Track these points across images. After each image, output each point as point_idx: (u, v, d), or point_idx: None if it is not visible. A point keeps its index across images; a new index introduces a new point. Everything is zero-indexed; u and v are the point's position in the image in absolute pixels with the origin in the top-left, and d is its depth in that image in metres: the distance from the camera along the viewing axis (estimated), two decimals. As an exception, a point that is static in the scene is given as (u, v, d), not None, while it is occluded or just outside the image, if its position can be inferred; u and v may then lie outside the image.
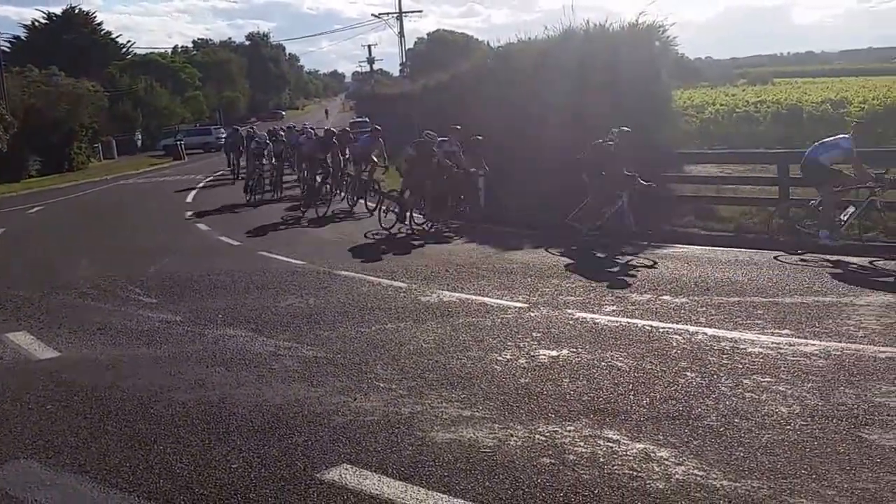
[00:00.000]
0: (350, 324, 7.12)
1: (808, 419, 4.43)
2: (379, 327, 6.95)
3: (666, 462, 3.99)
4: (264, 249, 11.82)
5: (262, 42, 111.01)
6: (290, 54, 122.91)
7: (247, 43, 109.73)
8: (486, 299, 7.86)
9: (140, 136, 59.02)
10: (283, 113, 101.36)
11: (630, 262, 9.54)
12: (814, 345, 5.78)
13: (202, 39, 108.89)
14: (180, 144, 48.69)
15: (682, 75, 45.74)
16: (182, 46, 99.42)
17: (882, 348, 5.62)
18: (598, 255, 10.05)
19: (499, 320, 7.01)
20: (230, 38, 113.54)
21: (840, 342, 5.82)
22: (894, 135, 22.60)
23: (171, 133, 55.93)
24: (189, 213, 17.80)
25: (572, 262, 9.77)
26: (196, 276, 9.81)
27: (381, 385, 5.40)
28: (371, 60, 76.33)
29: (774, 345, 5.84)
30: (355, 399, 5.14)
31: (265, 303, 8.17)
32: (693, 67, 64.70)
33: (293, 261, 10.62)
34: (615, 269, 9.18)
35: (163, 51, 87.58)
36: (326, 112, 75.66)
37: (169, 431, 4.77)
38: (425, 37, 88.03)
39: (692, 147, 18.25)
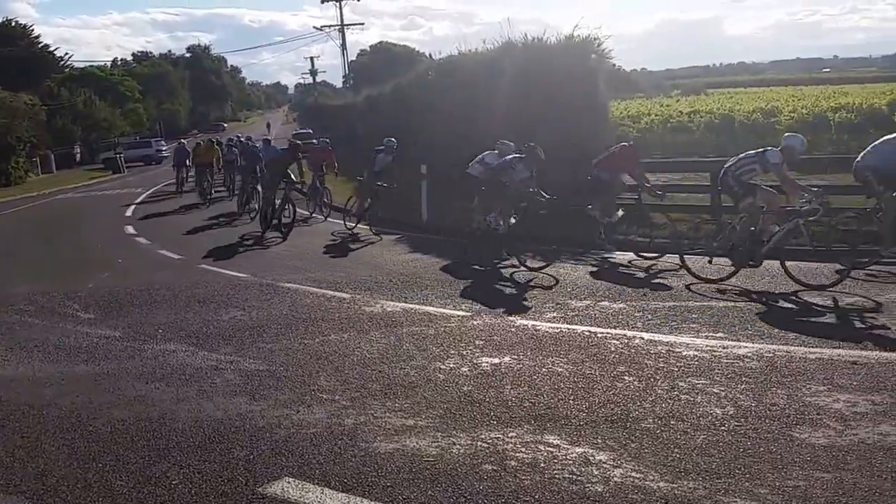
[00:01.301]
0: (293, 336, 7.08)
1: (742, 420, 4.58)
2: (322, 339, 6.92)
3: (604, 465, 4.08)
4: (206, 263, 11.65)
5: (203, 54, 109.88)
6: (231, 66, 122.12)
7: (188, 55, 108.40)
8: (430, 308, 7.90)
9: (79, 150, 57.34)
10: (225, 125, 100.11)
11: (569, 270, 9.69)
12: (747, 347, 5.98)
13: (142, 52, 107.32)
14: (120, 158, 47.46)
15: (618, 86, 46.80)
16: (121, 59, 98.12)
17: (812, 349, 5.84)
18: (538, 263, 10.17)
19: (442, 329, 7.05)
20: (170, 51, 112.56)
21: (772, 344, 6.04)
22: (828, 142, 23.63)
23: (110, 146, 54.51)
24: (129, 227, 17.36)
25: (513, 270, 9.88)
26: (136, 291, 9.60)
27: (325, 397, 5.38)
28: (314, 72, 75.98)
29: (709, 348, 6.02)
30: (298, 412, 5.11)
31: (206, 317, 8.06)
32: (629, 79, 66.27)
33: (236, 273, 10.49)
34: (555, 276, 9.31)
35: (102, 64, 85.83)
36: (268, 125, 74.65)
37: (108, 449, 4.68)
38: (368, 49, 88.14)
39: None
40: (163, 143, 57.38)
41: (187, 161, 25.65)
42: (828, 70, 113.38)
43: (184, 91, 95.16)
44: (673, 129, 28.58)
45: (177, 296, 9.22)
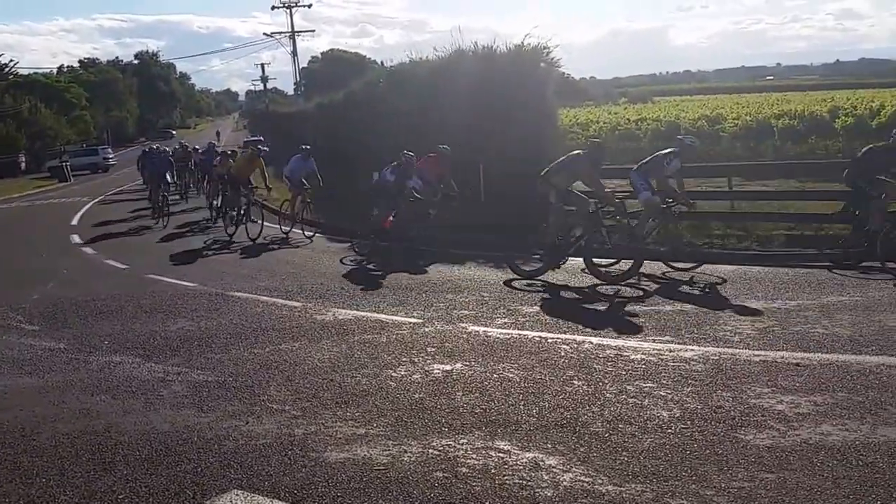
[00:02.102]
0: (243, 346, 6.98)
1: (688, 422, 4.67)
2: (273, 348, 6.84)
3: (554, 470, 4.11)
4: (154, 272, 11.41)
5: (151, 61, 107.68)
6: (180, 73, 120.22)
7: (136, 62, 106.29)
8: (382, 316, 7.88)
9: (24, 158, 55.57)
10: (174, 133, 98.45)
11: (521, 276, 9.76)
12: (693, 350, 6.10)
13: (89, 59, 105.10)
14: (66, 166, 46.09)
15: (568, 94, 47.45)
16: (68, 66, 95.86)
17: (756, 352, 5.97)
18: (491, 269, 10.24)
19: (394, 336, 7.04)
20: (118, 58, 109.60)
21: (717, 347, 6.17)
22: (771, 148, 24.29)
23: (56, 154, 52.98)
24: (75, 237, 16.94)
25: (466, 277, 9.91)
26: (81, 302, 9.37)
27: (275, 407, 5.32)
28: (265, 79, 74.98)
29: (656, 351, 6.13)
30: (247, 422, 5.04)
31: (154, 327, 7.90)
32: (578, 87, 67.28)
33: (184, 283, 10.31)
34: (507, 283, 9.37)
35: (48, 70, 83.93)
36: (218, 133, 73.10)
37: (52, 463, 4.56)
38: (319, 56, 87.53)
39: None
40: (110, 150, 56.11)
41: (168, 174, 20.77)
42: (771, 77, 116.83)
43: (132, 98, 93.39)
44: (621, 137, 29.04)
45: (123, 306, 9.02)
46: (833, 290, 7.99)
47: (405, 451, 4.44)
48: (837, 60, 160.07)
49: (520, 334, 6.93)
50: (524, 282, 9.35)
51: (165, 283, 10.46)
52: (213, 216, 17.52)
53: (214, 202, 17.77)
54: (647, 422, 4.71)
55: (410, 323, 7.52)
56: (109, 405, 5.59)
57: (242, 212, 14.90)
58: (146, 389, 5.90)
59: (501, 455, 4.34)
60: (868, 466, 3.94)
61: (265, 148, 18.07)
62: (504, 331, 7.08)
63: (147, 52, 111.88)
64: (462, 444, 4.51)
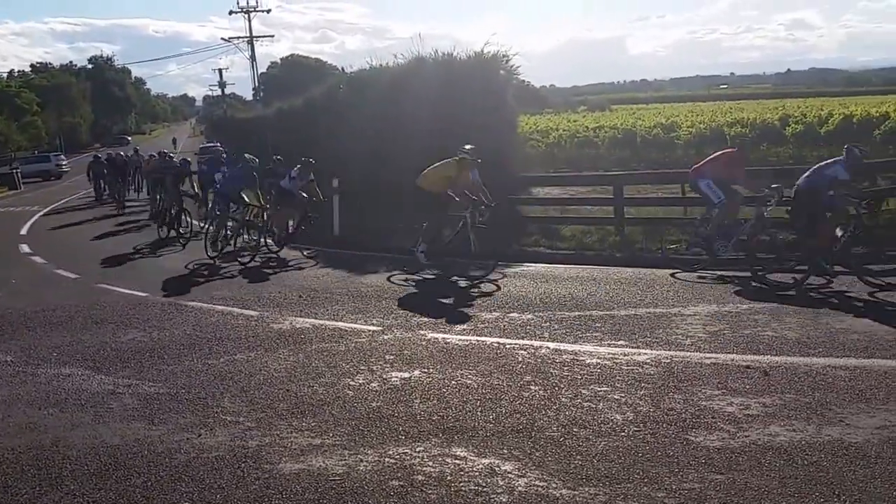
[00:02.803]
0: (197, 356, 6.86)
1: (641, 425, 4.73)
2: (228, 358, 6.74)
3: (509, 475, 4.13)
4: (106, 282, 11.18)
5: (106, 66, 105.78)
6: (136, 78, 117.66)
7: (90, 66, 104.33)
8: (340, 324, 7.83)
9: (-29, 166, 53.97)
10: (129, 138, 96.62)
11: (480, 282, 9.81)
12: (646, 354, 6.19)
13: (41, 63, 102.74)
14: (16, 173, 44.81)
15: (528, 102, 47.95)
16: (19, 70, 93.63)
17: (707, 354, 6.09)
18: (451, 276, 10.26)
19: (352, 345, 7.00)
20: (71, 62, 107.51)
21: (670, 350, 6.27)
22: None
23: (6, 161, 51.45)
24: (24, 246, 16.48)
25: (426, 283, 9.92)
26: (30, 313, 9.13)
27: (228, 419, 5.24)
28: (222, 84, 73.87)
29: (611, 355, 6.20)
30: (199, 435, 4.96)
31: (104, 338, 7.72)
32: (539, 95, 68.08)
33: (137, 293, 10.12)
34: (466, 290, 9.40)
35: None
36: (175, 141, 71.55)
37: (-4, 479, 4.42)
38: (279, 61, 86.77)
39: (539, 170, 19.19)
40: (63, 157, 54.77)
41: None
42: (725, 86, 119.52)
43: (86, 103, 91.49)
44: (580, 144, 29.43)
45: (73, 317, 8.81)
46: (782, 293, 8.16)
47: (361, 461, 4.42)
48: (789, 70, 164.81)
49: (478, 341, 6.95)
50: (481, 288, 9.39)
51: (117, 293, 10.25)
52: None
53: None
54: (601, 425, 4.77)
55: (369, 331, 7.49)
56: (57, 419, 5.45)
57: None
58: (95, 402, 5.77)
59: (458, 462, 4.34)
60: (813, 465, 4.04)
61: (223, 154, 17.77)
62: (463, 337, 7.09)
63: (101, 56, 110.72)
64: (419, 452, 4.51)
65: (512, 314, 7.91)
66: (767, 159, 22.76)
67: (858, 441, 4.32)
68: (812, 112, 29.91)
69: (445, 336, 7.17)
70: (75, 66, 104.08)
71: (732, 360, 5.91)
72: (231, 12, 58.20)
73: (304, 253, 12.95)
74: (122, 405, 5.67)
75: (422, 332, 7.36)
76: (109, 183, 26.75)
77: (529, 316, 7.77)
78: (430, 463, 4.35)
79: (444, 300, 8.79)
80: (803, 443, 4.34)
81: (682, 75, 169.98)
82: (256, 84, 59.61)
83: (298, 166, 13.33)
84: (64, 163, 52.59)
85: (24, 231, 19.93)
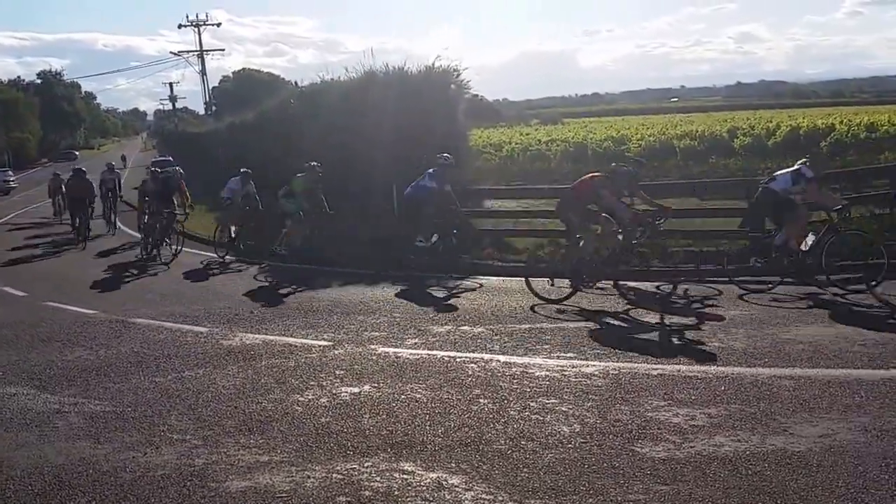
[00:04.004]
0: (144, 374, 6.76)
1: (588, 437, 4.79)
2: (176, 376, 6.65)
3: (457, 489, 4.15)
4: (53, 299, 10.92)
5: (54, 80, 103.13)
6: (86, 92, 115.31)
7: (38, 81, 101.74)
8: (291, 339, 7.79)
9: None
10: (77, 153, 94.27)
11: (433, 295, 9.85)
12: (594, 365, 6.28)
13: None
14: (-39, 190, 43.47)
15: (481, 116, 48.32)
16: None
17: (654, 365, 6.20)
18: (404, 289, 10.27)
19: (303, 360, 6.96)
20: (19, 77, 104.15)
21: (618, 362, 6.37)
22: (674, 168, 25.31)
23: (-50, 178, 49.78)
24: (-32, 265, 15.93)
25: (378, 297, 9.91)
26: (-26, 332, 8.85)
27: (175, 437, 5.17)
28: (173, 98, 72.92)
29: (559, 367, 6.28)
30: (145, 453, 4.88)
31: (50, 357, 7.56)
32: (492, 108, 68.60)
33: (84, 310, 9.93)
34: (418, 303, 9.42)
35: (-60, 89, 79.01)
36: (124, 158, 68.63)
37: (-67, 503, 4.29)
38: (231, 75, 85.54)
39: (490, 183, 19.34)
40: (10, 173, 53.24)
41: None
42: (675, 99, 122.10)
43: (34, 118, 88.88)
44: (532, 157, 29.73)
45: (19, 335, 8.63)
46: (730, 304, 8.37)
47: (308, 477, 4.39)
48: (739, 82, 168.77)
49: (429, 354, 6.97)
50: (437, 302, 9.42)
51: (64, 311, 10.05)
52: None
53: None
54: (549, 437, 4.81)
55: (320, 346, 7.46)
56: (1, 438, 5.34)
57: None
58: (41, 421, 5.66)
59: (405, 476, 4.35)
60: (757, 475, 4.12)
61: (178, 168, 17.69)
62: (414, 351, 7.11)
63: (50, 70, 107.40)
64: (367, 467, 4.50)
65: (463, 327, 7.96)
66: (716, 171, 23.29)
67: (801, 450, 4.41)
68: (761, 124, 30.72)
69: (396, 350, 7.17)
70: (23, 80, 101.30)
71: (679, 370, 6.02)
72: (180, 26, 57.79)
73: (256, 266, 12.85)
74: (67, 424, 5.56)
75: (372, 346, 7.36)
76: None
77: (481, 329, 7.82)
78: (378, 478, 4.35)
79: (396, 314, 8.79)
80: (747, 453, 4.42)
81: (633, 88, 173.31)
82: (208, 98, 58.95)
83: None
84: (12, 179, 51.18)
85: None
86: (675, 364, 6.20)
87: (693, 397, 5.38)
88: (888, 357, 6.07)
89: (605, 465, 4.36)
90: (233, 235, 14.46)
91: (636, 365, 6.25)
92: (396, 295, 9.94)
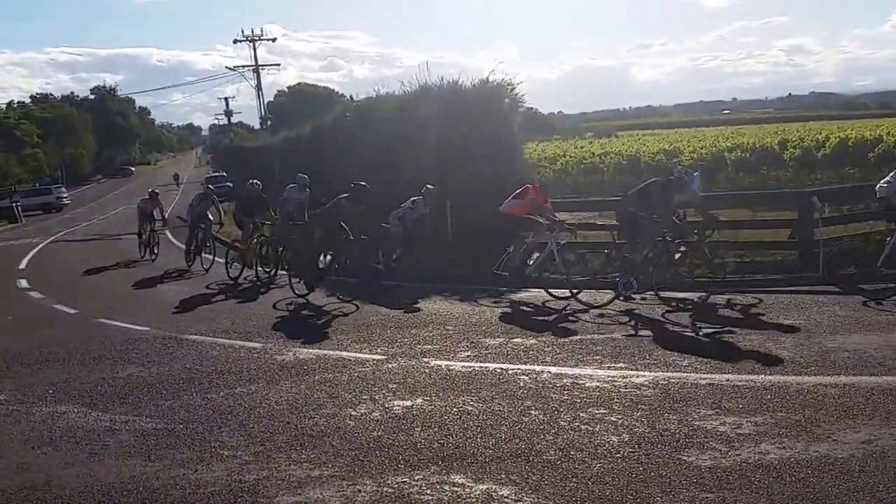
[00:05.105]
0: (195, 391, 6.83)
1: (636, 446, 4.75)
2: (227, 392, 6.72)
3: (506, 500, 4.14)
4: (104, 316, 11.07)
5: (108, 96, 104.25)
6: (140, 107, 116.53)
7: (92, 97, 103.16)
8: (345, 354, 7.84)
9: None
10: (133, 169, 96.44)
11: (486, 308, 9.82)
12: (644, 376, 6.21)
13: (41, 94, 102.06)
14: (17, 206, 44.90)
15: (536, 129, 48.33)
16: (18, 101, 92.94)
17: (703, 375, 6.13)
18: (457, 301, 10.26)
19: (356, 374, 7.00)
20: (73, 93, 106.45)
21: (667, 372, 6.31)
22: (725, 179, 24.86)
23: (6, 194, 51.64)
24: (22, 281, 16.39)
25: (432, 311, 9.91)
26: (26, 350, 9.06)
27: (226, 453, 5.21)
28: (228, 113, 73.92)
29: (610, 378, 6.22)
30: (196, 471, 4.92)
31: (102, 374, 7.67)
32: (547, 121, 68.53)
33: (136, 327, 10.05)
34: (471, 316, 9.40)
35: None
36: (177, 176, 68.36)
37: (-14, 522, 4.40)
38: (286, 89, 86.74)
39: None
40: (64, 189, 54.68)
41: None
42: (727, 112, 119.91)
43: (88, 134, 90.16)
44: (586, 170, 29.56)
45: (70, 353, 8.71)
46: (778, 314, 8.23)
47: (359, 491, 4.41)
48: (790, 94, 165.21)
49: (481, 367, 6.96)
50: (486, 313, 9.39)
51: (116, 328, 10.17)
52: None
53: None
54: (598, 447, 4.78)
55: (373, 360, 7.49)
56: (51, 458, 5.38)
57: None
58: (91, 440, 5.70)
59: (456, 489, 4.34)
60: (801, 482, 4.08)
61: (229, 184, 17.94)
62: (466, 364, 7.10)
63: (104, 86, 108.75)
64: (417, 480, 4.51)
65: (515, 339, 7.93)
66: (767, 182, 22.81)
67: (844, 456, 4.38)
68: (810, 136, 30.08)
69: (449, 363, 7.17)
70: (77, 96, 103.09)
71: (727, 380, 5.96)
72: (236, 41, 57.50)
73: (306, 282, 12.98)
74: (118, 442, 5.62)
75: (426, 359, 7.36)
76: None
77: (532, 341, 7.78)
78: (429, 491, 4.35)
79: (449, 326, 8.77)
80: (792, 460, 4.37)
81: (685, 101, 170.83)
82: (263, 112, 59.51)
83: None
84: (65, 195, 52.40)
85: (22, 265, 19.73)
86: (724, 373, 6.14)
87: (740, 406, 5.33)
88: None
89: (652, 473, 4.33)
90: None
91: (685, 375, 6.19)
92: (449, 308, 9.93)
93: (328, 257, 11.94)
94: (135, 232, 19.65)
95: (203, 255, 15.69)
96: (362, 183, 11.29)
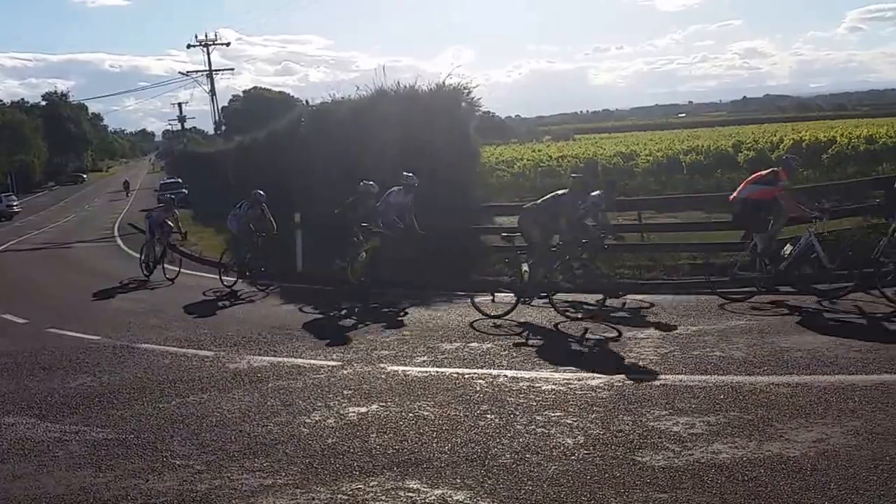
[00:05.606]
0: (147, 400, 6.71)
1: (591, 448, 4.78)
2: (180, 401, 6.61)
3: (461, 505, 4.11)
4: (55, 325, 10.80)
5: (60, 102, 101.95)
6: (92, 114, 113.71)
7: (43, 103, 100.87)
8: (299, 360, 7.76)
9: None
10: (85, 176, 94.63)
11: (443, 312, 9.80)
12: (599, 378, 6.26)
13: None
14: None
15: (494, 133, 48.49)
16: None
17: (658, 376, 6.21)
18: (415, 307, 10.23)
19: (310, 381, 6.93)
20: (23, 99, 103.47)
21: (622, 373, 6.35)
22: (680, 182, 25.24)
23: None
24: (-32, 291, 15.98)
25: (389, 315, 9.87)
26: (-28, 361, 8.78)
27: (178, 462, 5.13)
28: (182, 119, 72.91)
29: (565, 381, 6.26)
30: (147, 480, 4.84)
31: (52, 384, 7.49)
32: (504, 125, 68.91)
33: (87, 336, 9.83)
34: (429, 321, 9.38)
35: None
36: (126, 184, 64.50)
37: (-71, 539, 4.26)
38: (241, 94, 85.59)
39: (503, 199, 19.36)
40: (14, 197, 53.19)
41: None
42: (683, 115, 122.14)
43: (38, 141, 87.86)
44: (543, 174, 29.73)
45: (19, 364, 8.49)
46: (731, 315, 8.37)
47: (313, 499, 4.37)
48: (745, 97, 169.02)
49: (438, 371, 6.95)
50: (447, 319, 9.38)
51: (67, 337, 9.95)
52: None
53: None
54: (553, 450, 4.80)
55: (328, 366, 7.43)
56: (-2, 470, 5.27)
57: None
58: (40, 451, 5.58)
59: (410, 494, 4.32)
60: (753, 481, 4.13)
61: (184, 190, 17.53)
62: (423, 369, 7.08)
63: (55, 92, 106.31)
64: (372, 487, 4.47)
65: (472, 343, 7.93)
66: (722, 185, 23.17)
67: (796, 455, 4.45)
68: (765, 138, 30.71)
69: (405, 368, 7.15)
70: (27, 102, 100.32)
71: (681, 380, 6.03)
72: (189, 46, 56.82)
73: (258, 287, 12.95)
74: (67, 453, 5.51)
75: (382, 365, 7.33)
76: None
77: (489, 345, 7.79)
78: (383, 497, 4.32)
79: (406, 332, 8.75)
80: (744, 459, 4.43)
81: (642, 105, 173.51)
82: (218, 118, 58.81)
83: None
84: (15, 203, 51.00)
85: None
86: (677, 374, 6.22)
87: (693, 406, 5.39)
88: (881, 362, 6.14)
89: (606, 475, 4.36)
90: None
91: (640, 376, 6.26)
92: (407, 313, 9.90)
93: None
94: (88, 240, 19.16)
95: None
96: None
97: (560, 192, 9.41)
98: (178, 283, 14.35)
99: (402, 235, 11.75)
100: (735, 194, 9.56)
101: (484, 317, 9.03)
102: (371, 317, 9.96)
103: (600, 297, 8.98)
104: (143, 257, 15.67)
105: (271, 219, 13.73)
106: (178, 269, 15.01)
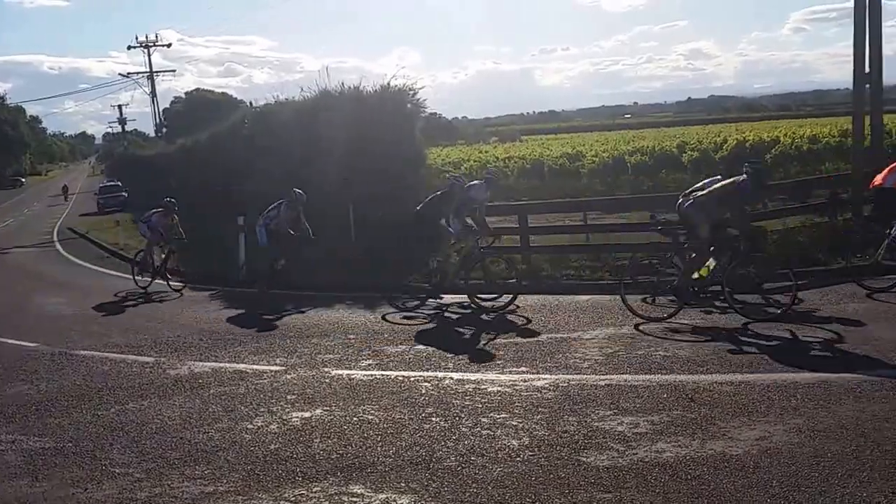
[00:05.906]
0: (86, 408, 6.54)
1: (536, 449, 4.81)
2: (119, 408, 6.46)
3: (405, 509, 4.11)
4: (-9, 333, 10.46)
5: None
6: (31, 117, 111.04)
7: None
8: (242, 366, 7.64)
9: None
10: (24, 180, 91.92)
11: (389, 316, 9.77)
12: (545, 379, 6.30)
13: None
14: None
15: (440, 134, 48.68)
16: None
17: (602, 376, 6.26)
18: (360, 310, 10.18)
19: (253, 387, 6.83)
20: None
21: (567, 374, 6.41)
22: (626, 183, 25.68)
23: None
24: None
25: (333, 319, 9.80)
26: None
27: (117, 471, 5.02)
28: (122, 121, 71.17)
29: (511, 382, 6.30)
30: (86, 489, 4.74)
31: (-13, 393, 7.25)
32: (451, 127, 69.14)
33: (24, 343, 9.58)
34: (374, 324, 9.34)
35: None
36: (65, 189, 60.98)
37: None
38: (183, 96, 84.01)
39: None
40: None
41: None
42: (629, 116, 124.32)
43: None
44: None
45: (-47, 373, 8.19)
46: (677, 315, 8.43)
47: (255, 506, 4.30)
48: (689, 98, 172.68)
49: (383, 375, 6.91)
50: (394, 321, 9.36)
51: (5, 345, 9.65)
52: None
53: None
54: (498, 452, 4.82)
55: (272, 371, 7.34)
56: (-74, 484, 5.07)
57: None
58: (-27, 462, 5.40)
59: (354, 499, 4.30)
60: (696, 479, 4.20)
61: (124, 193, 17.13)
62: (367, 372, 7.04)
63: None
64: (315, 493, 4.43)
65: (417, 346, 7.92)
66: (666, 186, 23.59)
67: (739, 453, 4.52)
68: (709, 138, 31.41)
69: (350, 372, 7.10)
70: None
71: (626, 380, 6.10)
72: (130, 47, 56.17)
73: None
74: (3, 463, 5.37)
75: (326, 369, 7.27)
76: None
77: (434, 347, 7.78)
78: (327, 502, 4.28)
79: (351, 335, 8.70)
80: (687, 458, 4.50)
81: (588, 105, 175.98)
82: (159, 120, 57.86)
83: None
84: None
85: None
86: (621, 374, 6.29)
87: (637, 405, 5.46)
88: (826, 360, 6.29)
89: (551, 476, 4.39)
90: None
91: (585, 377, 6.30)
92: (351, 316, 9.84)
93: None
94: (27, 245, 18.42)
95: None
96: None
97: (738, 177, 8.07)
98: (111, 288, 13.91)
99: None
100: (880, 181, 9.00)
101: (644, 320, 8.17)
102: (314, 321, 9.85)
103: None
104: (137, 268, 14.30)
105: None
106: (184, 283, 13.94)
